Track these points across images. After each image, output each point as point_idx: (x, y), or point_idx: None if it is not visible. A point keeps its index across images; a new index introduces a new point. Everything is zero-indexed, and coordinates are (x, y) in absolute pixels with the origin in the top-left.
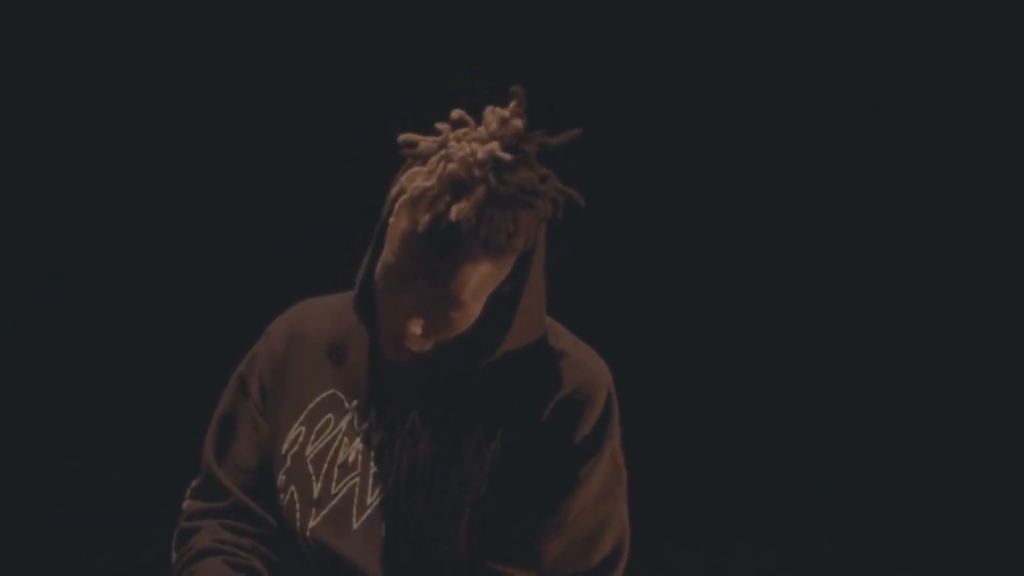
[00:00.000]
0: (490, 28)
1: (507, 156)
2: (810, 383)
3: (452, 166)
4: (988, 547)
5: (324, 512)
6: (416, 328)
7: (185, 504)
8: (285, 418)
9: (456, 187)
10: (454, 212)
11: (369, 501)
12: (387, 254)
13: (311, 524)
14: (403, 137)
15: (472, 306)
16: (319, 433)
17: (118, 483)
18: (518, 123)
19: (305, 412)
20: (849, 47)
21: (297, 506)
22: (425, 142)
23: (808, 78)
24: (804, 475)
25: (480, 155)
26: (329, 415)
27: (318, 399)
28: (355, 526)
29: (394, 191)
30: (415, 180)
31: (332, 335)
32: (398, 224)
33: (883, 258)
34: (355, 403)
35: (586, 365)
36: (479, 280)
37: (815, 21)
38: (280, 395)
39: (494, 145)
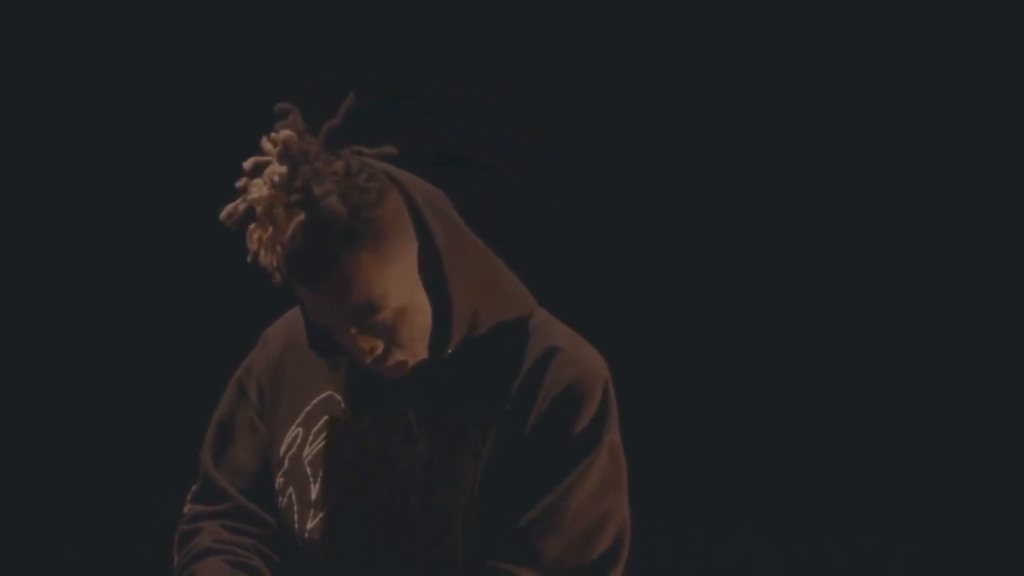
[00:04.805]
0: (487, 28)
1: (281, 168)
2: (808, 378)
3: (257, 207)
4: (989, 546)
5: (322, 514)
6: (375, 345)
7: (185, 509)
8: (283, 421)
9: (274, 220)
10: (280, 247)
11: (366, 502)
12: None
13: (309, 525)
14: (221, 217)
15: (396, 300)
16: (316, 435)
17: (117, 488)
18: (286, 133)
19: (302, 414)
20: (846, 45)
21: (295, 508)
22: (236, 204)
23: (805, 74)
24: (802, 470)
25: (267, 184)
26: (326, 417)
27: (315, 401)
28: (353, 527)
29: (250, 259)
30: (253, 237)
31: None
32: (282, 277)
33: (880, 251)
34: (351, 405)
35: (581, 360)
36: (371, 274)
37: (812, 19)
38: (277, 398)
39: (273, 167)
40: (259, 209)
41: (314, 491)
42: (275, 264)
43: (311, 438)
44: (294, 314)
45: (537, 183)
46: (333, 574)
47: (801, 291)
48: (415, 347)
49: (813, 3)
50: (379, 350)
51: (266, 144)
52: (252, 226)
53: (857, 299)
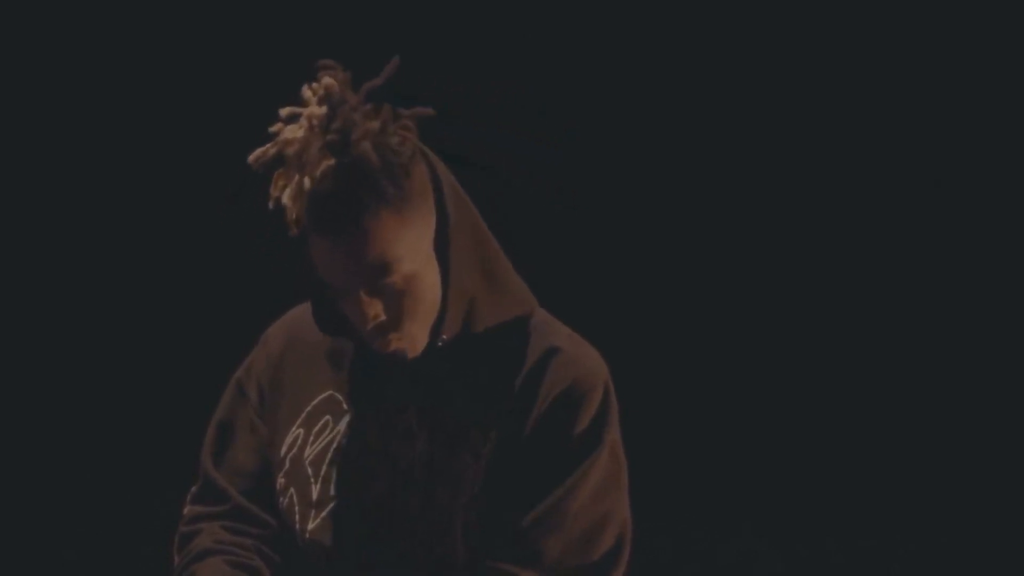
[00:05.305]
0: (487, 28)
1: (320, 110)
2: (807, 378)
3: (289, 150)
4: (989, 546)
5: (323, 514)
6: (378, 311)
7: (185, 510)
8: (283, 421)
9: (303, 164)
10: (307, 184)
11: (368, 502)
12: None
13: (310, 526)
14: (250, 159)
15: (409, 266)
16: (317, 435)
17: (117, 488)
18: (328, 80)
19: (303, 414)
20: (846, 46)
21: (296, 508)
22: (266, 148)
23: (804, 74)
24: (802, 470)
25: (303, 127)
26: (327, 417)
27: (316, 401)
28: (354, 527)
29: (272, 205)
30: (278, 184)
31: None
32: (300, 228)
33: (880, 251)
34: (353, 404)
35: (581, 360)
36: (391, 235)
37: (812, 18)
38: (278, 398)
39: (312, 109)
40: (291, 151)
41: (315, 491)
42: (296, 213)
43: (312, 438)
44: (294, 314)
45: (537, 183)
46: (334, 574)
47: (801, 291)
48: (418, 326)
49: (813, 3)
50: (383, 318)
51: (306, 92)
52: (278, 172)
53: (857, 299)
